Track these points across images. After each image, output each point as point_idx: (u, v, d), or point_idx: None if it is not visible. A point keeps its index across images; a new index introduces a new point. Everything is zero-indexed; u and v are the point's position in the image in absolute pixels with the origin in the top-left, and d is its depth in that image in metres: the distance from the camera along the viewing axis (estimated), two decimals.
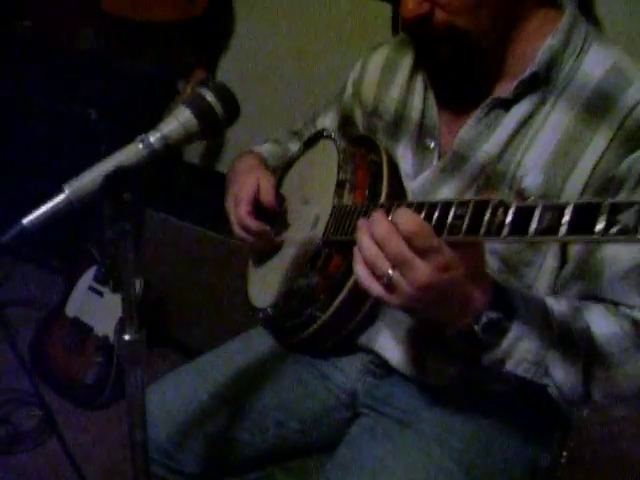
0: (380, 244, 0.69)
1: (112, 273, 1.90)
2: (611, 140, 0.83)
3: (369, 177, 0.97)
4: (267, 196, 1.08)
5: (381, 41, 1.14)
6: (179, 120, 0.72)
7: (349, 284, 0.93)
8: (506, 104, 0.89)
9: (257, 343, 1.14)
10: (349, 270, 0.91)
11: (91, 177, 0.70)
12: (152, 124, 0.73)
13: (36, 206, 0.70)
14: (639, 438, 1.86)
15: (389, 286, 0.69)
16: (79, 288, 1.99)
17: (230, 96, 0.74)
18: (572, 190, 0.85)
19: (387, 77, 1.07)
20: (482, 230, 0.63)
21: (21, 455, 1.79)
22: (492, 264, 0.92)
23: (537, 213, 0.59)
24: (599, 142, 0.83)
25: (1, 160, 2.25)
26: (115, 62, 2.29)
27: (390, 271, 0.68)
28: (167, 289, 2.04)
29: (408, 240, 0.67)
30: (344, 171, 0.97)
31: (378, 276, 0.69)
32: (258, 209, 1.09)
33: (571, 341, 0.80)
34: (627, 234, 0.52)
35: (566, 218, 0.56)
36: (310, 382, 1.10)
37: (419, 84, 1.01)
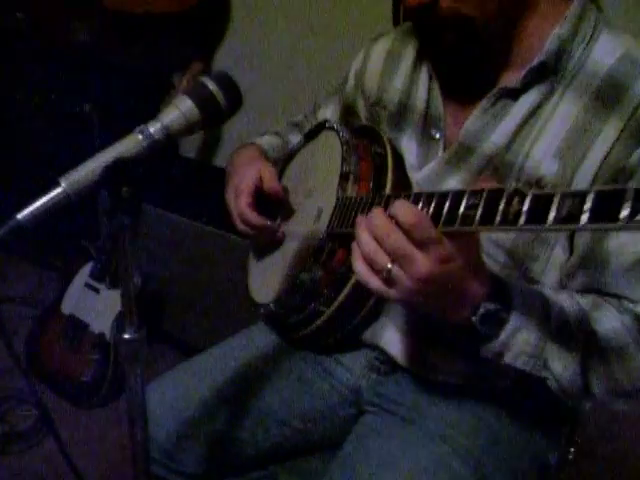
0: (379, 239, 0.69)
1: (108, 269, 1.89)
2: (622, 130, 0.81)
3: (373, 168, 0.96)
4: (271, 182, 1.06)
5: (381, 31, 1.12)
6: (180, 109, 0.71)
7: (354, 278, 0.92)
8: (514, 94, 0.88)
9: (258, 339, 1.13)
10: None
11: (89, 169, 0.68)
12: (147, 118, 0.72)
13: (30, 200, 0.68)
14: None
15: (388, 280, 0.69)
16: (75, 285, 1.99)
17: (232, 84, 0.73)
18: (582, 181, 0.83)
19: (390, 67, 1.05)
20: (497, 219, 0.62)
21: (17, 455, 1.77)
22: (498, 258, 0.90)
23: (556, 201, 0.57)
24: (609, 132, 0.82)
25: None
26: (109, 55, 2.27)
27: (389, 265, 0.68)
28: (164, 285, 2.04)
29: (407, 233, 0.67)
30: (348, 163, 0.96)
31: (377, 271, 0.69)
32: (259, 202, 1.07)
33: (570, 334, 0.79)
34: None
35: (588, 205, 0.55)
36: (313, 379, 1.09)
37: (423, 74, 0.99)
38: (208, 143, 2.37)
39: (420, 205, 0.71)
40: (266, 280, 1.09)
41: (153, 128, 0.70)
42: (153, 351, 1.97)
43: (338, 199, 0.94)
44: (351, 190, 0.94)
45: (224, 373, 1.07)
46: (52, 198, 0.68)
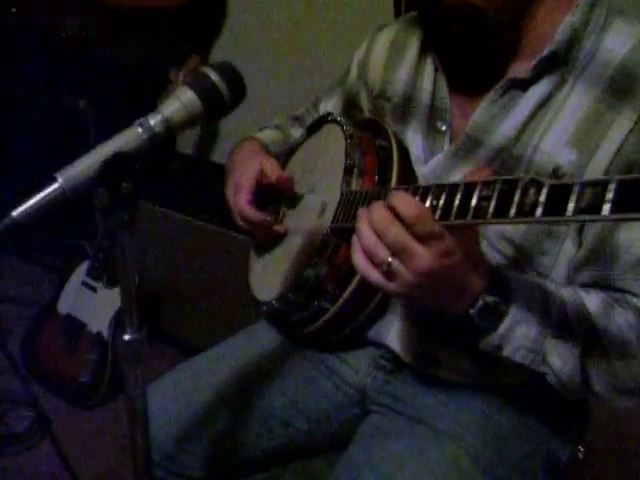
0: (379, 233, 0.68)
1: (106, 267, 1.86)
2: (635, 122, 0.79)
3: (377, 162, 0.94)
4: (275, 172, 1.04)
5: (383, 21, 1.10)
6: (181, 101, 0.68)
7: (359, 275, 0.90)
8: (523, 85, 0.86)
9: (260, 338, 1.11)
10: None
11: (87, 164, 0.66)
12: (143, 114, 0.69)
13: (26, 197, 0.65)
14: None
15: (389, 274, 0.68)
16: (71, 284, 1.97)
17: (236, 75, 0.70)
18: (594, 174, 0.81)
19: (394, 58, 1.03)
20: (512, 211, 0.60)
21: (13, 457, 1.75)
22: (507, 252, 0.89)
23: (576, 190, 0.55)
24: (622, 124, 0.80)
25: None
26: (105, 50, 2.25)
27: (389, 259, 0.68)
28: (161, 283, 2.02)
29: (408, 226, 0.66)
30: (352, 157, 0.93)
31: (377, 264, 0.69)
32: (260, 197, 1.05)
33: (570, 329, 0.78)
34: None
35: (609, 195, 0.52)
36: (317, 378, 1.07)
37: (429, 65, 0.97)
38: (205, 139, 2.36)
39: (429, 198, 0.69)
40: (268, 277, 1.07)
41: (153, 120, 0.67)
42: (152, 351, 1.95)
43: (342, 193, 0.92)
44: (355, 184, 0.92)
45: (225, 373, 1.05)
46: (48, 194, 0.65)
